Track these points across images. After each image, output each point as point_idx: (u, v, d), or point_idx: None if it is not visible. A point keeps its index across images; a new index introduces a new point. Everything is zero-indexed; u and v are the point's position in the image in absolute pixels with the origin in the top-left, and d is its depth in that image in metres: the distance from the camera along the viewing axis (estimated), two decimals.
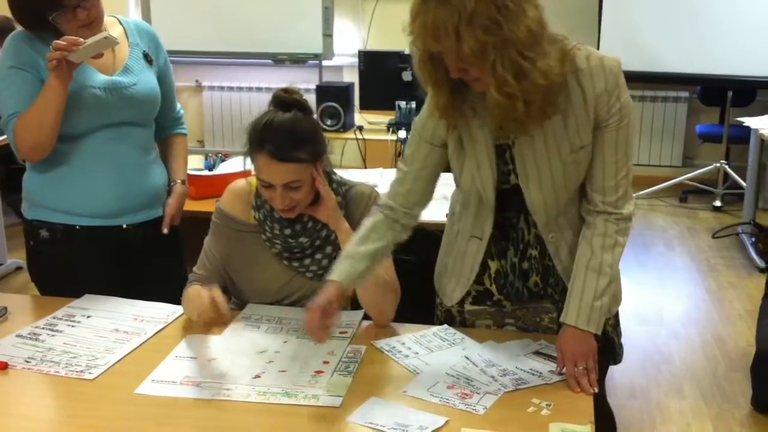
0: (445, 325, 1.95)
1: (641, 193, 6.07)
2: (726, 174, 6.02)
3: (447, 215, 2.03)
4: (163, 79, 2.32)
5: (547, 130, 1.70)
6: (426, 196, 1.87)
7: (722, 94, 6.02)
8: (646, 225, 5.62)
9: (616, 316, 1.98)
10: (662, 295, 4.39)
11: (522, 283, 1.89)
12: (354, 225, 2.01)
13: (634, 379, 3.39)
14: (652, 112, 6.61)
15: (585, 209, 1.81)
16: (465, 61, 1.55)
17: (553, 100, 1.63)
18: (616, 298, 1.89)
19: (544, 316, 1.92)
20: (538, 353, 1.80)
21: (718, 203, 5.97)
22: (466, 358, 1.78)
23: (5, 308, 2.04)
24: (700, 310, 4.19)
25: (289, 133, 1.89)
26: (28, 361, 1.79)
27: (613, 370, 3.38)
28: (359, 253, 1.80)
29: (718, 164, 6.02)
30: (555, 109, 1.65)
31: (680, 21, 5.80)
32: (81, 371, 1.75)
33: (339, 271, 1.77)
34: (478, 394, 1.63)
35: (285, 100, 1.94)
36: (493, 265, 1.89)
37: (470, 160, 1.79)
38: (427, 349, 1.84)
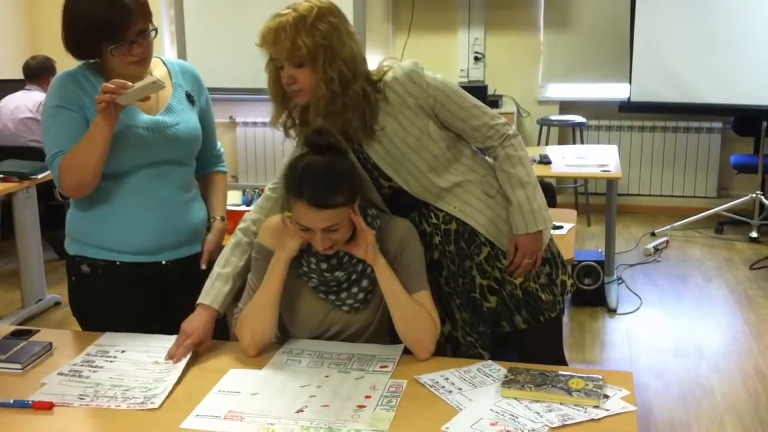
0: (490, 361, 1.95)
1: (676, 224, 6.01)
2: (762, 204, 5.95)
3: None
4: (205, 119, 2.37)
5: (387, 133, 2.07)
6: None
7: (756, 125, 5.97)
8: (682, 257, 5.56)
9: (549, 275, 2.24)
10: (701, 328, 4.33)
11: (438, 273, 2.19)
12: (389, 258, 2.02)
13: (674, 414, 3.34)
14: (685, 142, 6.57)
15: (488, 155, 2.20)
16: (300, 59, 1.95)
17: (373, 114, 2.05)
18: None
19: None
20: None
21: (754, 234, 5.90)
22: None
23: (50, 344, 2.07)
24: (740, 342, 4.13)
25: (327, 179, 1.89)
26: (81, 398, 1.81)
27: (652, 404, 3.37)
28: (224, 274, 2.12)
29: (753, 195, 5.95)
30: (374, 120, 2.06)
31: (712, 51, 5.78)
32: (142, 402, 1.78)
33: (211, 296, 2.10)
34: (523, 431, 1.62)
35: (319, 143, 1.95)
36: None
37: None
38: (470, 384, 1.83)
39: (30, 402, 1.78)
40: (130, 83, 2.03)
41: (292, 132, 2.16)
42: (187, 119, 2.28)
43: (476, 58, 6.75)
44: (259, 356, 2.01)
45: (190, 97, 2.31)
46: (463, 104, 2.12)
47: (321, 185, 1.88)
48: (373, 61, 2.12)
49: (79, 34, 2.12)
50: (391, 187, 2.15)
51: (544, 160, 4.84)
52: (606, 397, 1.75)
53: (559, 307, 2.26)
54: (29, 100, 5.46)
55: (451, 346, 2.20)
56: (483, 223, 2.17)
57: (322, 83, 1.98)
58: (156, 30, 2.16)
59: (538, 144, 6.37)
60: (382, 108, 2.07)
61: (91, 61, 2.19)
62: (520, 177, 2.14)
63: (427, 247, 2.17)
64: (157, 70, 2.26)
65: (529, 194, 2.14)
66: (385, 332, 2.11)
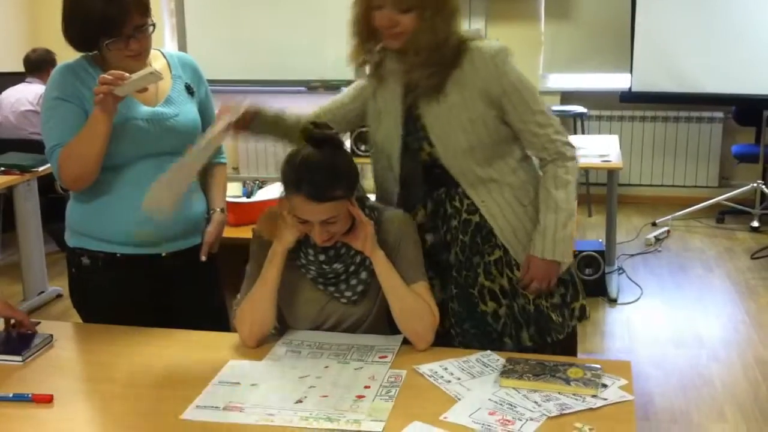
0: (489, 351, 1.96)
1: (677, 214, 6.01)
2: (763, 194, 5.94)
3: None
4: (204, 110, 2.36)
5: (448, 101, 2.05)
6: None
7: (757, 114, 5.97)
8: (683, 246, 5.56)
9: (563, 296, 2.19)
10: (701, 318, 4.34)
11: (446, 256, 2.15)
12: (387, 250, 2.02)
13: (674, 403, 3.35)
14: (687, 132, 6.56)
15: (539, 167, 2.15)
16: (409, 4, 1.94)
17: (447, 77, 2.04)
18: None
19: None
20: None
21: (755, 224, 5.90)
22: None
23: (51, 336, 2.08)
24: (740, 332, 4.14)
25: (325, 172, 1.89)
26: None
27: (652, 394, 3.38)
28: (274, 108, 2.19)
29: (755, 184, 5.95)
30: (444, 84, 2.04)
31: (713, 41, 5.76)
32: None
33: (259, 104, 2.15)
34: (521, 420, 1.62)
35: (317, 136, 1.94)
36: (428, 238, 2.17)
37: (384, 122, 2.14)
38: (469, 374, 1.84)
39: (30, 395, 1.78)
40: (128, 74, 2.03)
41: (364, 72, 2.15)
42: (187, 111, 2.28)
43: None
44: (258, 348, 2.02)
45: (189, 89, 2.32)
46: (533, 108, 2.07)
47: (319, 179, 1.88)
48: None
49: (77, 27, 2.12)
50: (430, 155, 2.11)
51: None
52: (604, 386, 1.76)
53: (567, 331, 2.19)
54: (30, 93, 5.46)
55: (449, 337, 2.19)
56: (503, 227, 2.12)
57: (425, 32, 1.96)
58: (154, 25, 2.16)
59: None
60: (453, 75, 2.05)
61: (91, 53, 2.20)
62: (558, 201, 2.08)
63: (441, 227, 2.15)
64: (156, 62, 2.26)
65: (559, 221, 2.07)
66: (383, 323, 2.11)
